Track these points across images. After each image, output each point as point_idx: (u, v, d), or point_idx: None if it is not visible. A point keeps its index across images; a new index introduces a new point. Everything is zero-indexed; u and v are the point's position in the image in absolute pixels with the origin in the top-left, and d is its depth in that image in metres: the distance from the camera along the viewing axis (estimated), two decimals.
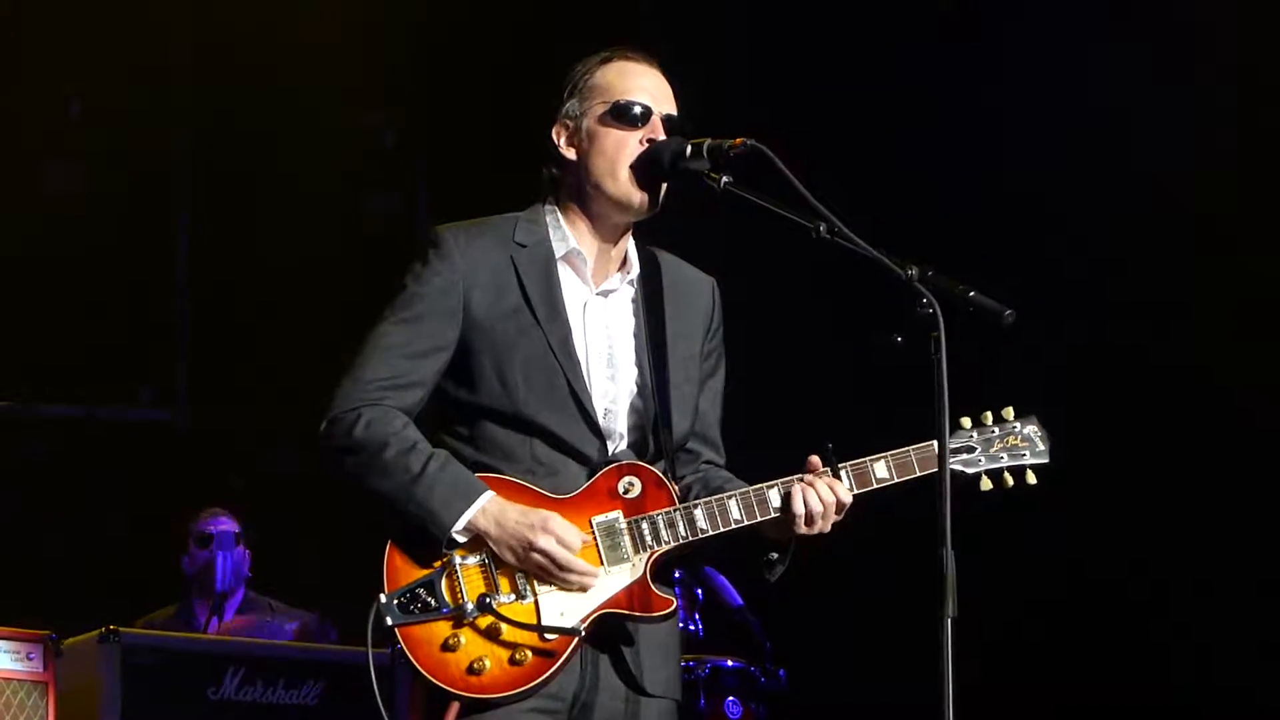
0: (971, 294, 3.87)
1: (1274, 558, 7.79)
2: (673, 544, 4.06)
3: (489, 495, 3.97)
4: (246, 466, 9.37)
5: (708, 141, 4.08)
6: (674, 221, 4.27)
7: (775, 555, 4.16)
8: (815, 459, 4.13)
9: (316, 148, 9.29)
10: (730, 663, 7.40)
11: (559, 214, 4.19)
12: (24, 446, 9.27)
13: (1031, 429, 4.31)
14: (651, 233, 4.31)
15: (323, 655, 7.12)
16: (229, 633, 7.83)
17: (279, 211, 9.36)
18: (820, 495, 4.08)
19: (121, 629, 6.59)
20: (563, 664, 3.96)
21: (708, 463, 4.32)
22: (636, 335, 4.20)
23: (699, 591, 7.53)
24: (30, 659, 6.41)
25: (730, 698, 7.33)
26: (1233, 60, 7.96)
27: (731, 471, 4.32)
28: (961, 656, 3.66)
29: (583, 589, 3.98)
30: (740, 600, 7.59)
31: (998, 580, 7.00)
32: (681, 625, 7.30)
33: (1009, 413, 4.30)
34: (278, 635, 7.84)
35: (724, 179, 4.05)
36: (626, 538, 4.04)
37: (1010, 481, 4.27)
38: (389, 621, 3.91)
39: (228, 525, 8.13)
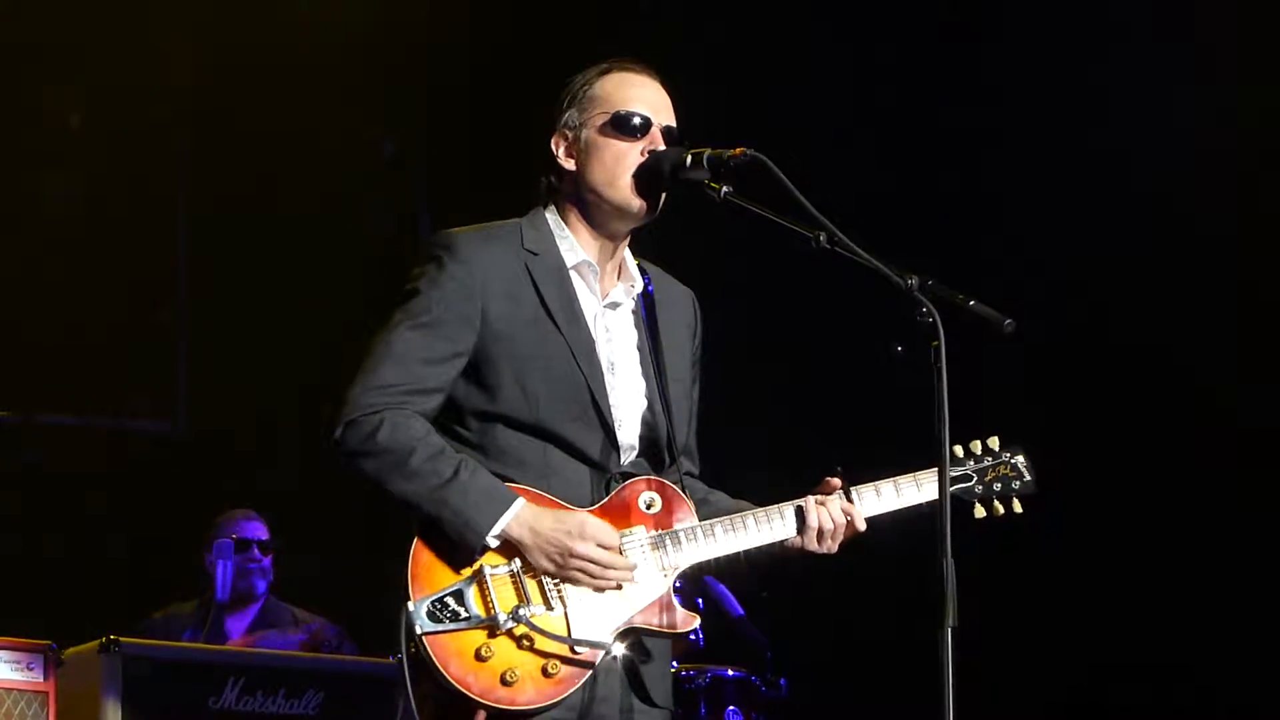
0: (971, 303, 3.88)
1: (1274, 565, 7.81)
2: (696, 560, 4.10)
3: (521, 502, 3.96)
4: (246, 476, 9.36)
5: (707, 151, 4.09)
6: (677, 230, 4.28)
7: (764, 593, 4.22)
8: (832, 480, 4.19)
9: (316, 158, 9.29)
10: (731, 672, 7.40)
11: (561, 222, 4.20)
12: (23, 456, 9.26)
13: (1019, 459, 4.43)
14: (652, 242, 4.32)
15: (324, 665, 7.11)
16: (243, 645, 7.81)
17: (279, 222, 9.35)
18: (832, 514, 4.14)
19: (122, 639, 6.57)
20: (592, 676, 3.96)
21: (686, 473, 4.33)
22: (640, 348, 4.22)
23: (699, 600, 7.52)
24: (30, 669, 6.40)
25: (731, 707, 7.33)
26: (1233, 67, 7.98)
27: (736, 482, 4.35)
28: (962, 666, 3.66)
29: (620, 587, 3.98)
30: (741, 609, 7.59)
31: (1000, 589, 7.00)
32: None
33: (994, 442, 4.43)
34: (286, 647, 7.82)
35: (724, 188, 4.06)
36: (651, 553, 4.05)
37: (1000, 510, 4.39)
38: (418, 629, 3.89)
39: (242, 530, 8.08)
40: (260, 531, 8.11)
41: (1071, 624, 8.25)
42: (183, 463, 9.48)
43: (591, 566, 3.95)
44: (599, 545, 3.96)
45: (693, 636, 7.41)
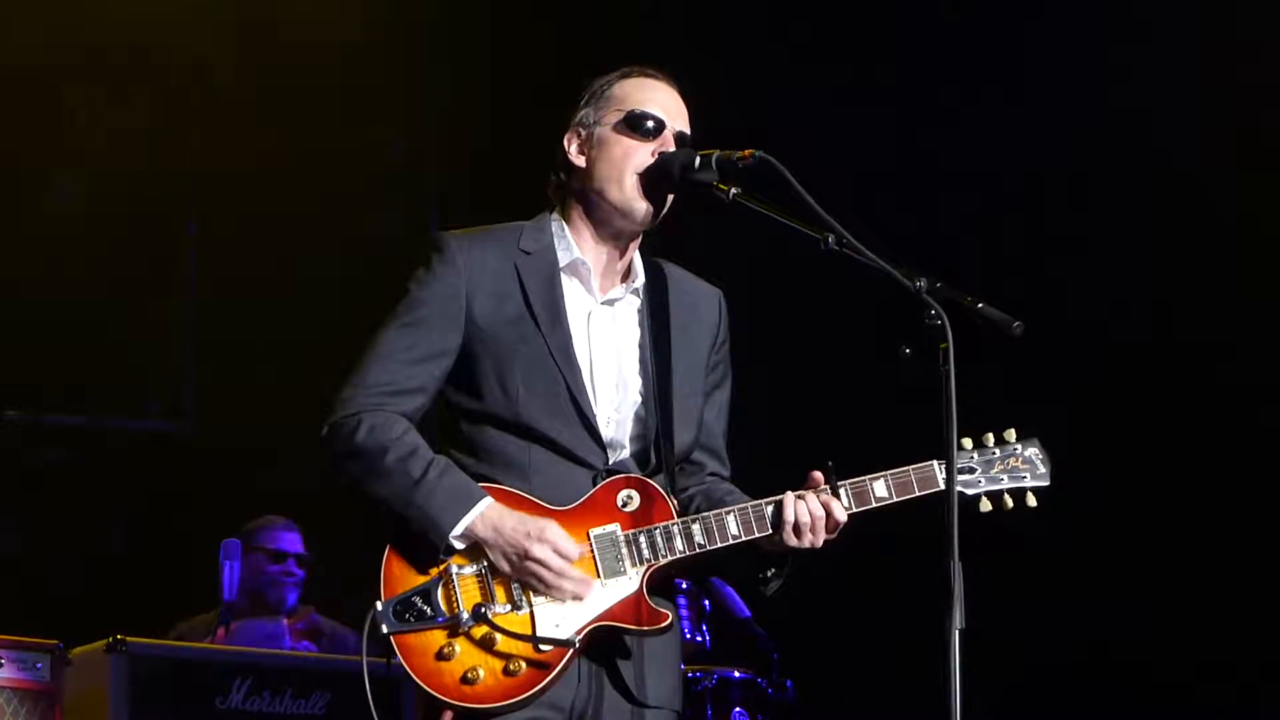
0: (980, 305, 3.88)
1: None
2: (670, 558, 4.08)
3: (488, 501, 3.98)
4: (254, 476, 9.37)
5: (716, 153, 4.10)
6: (684, 233, 4.28)
7: (772, 571, 4.18)
8: (816, 474, 4.14)
9: (326, 158, 9.30)
10: (737, 674, 7.40)
11: (564, 223, 4.21)
12: (31, 456, 9.27)
13: (1033, 451, 4.32)
14: (662, 245, 4.33)
15: (330, 665, 7.11)
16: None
17: (288, 221, 9.36)
18: (810, 508, 4.09)
19: (129, 639, 6.58)
20: (557, 675, 3.96)
21: (712, 474, 4.34)
22: (642, 346, 4.21)
23: (706, 602, 7.52)
24: (37, 668, 6.42)
25: (737, 709, 7.33)
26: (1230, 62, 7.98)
27: (741, 484, 4.34)
28: (969, 667, 3.66)
29: (577, 598, 3.98)
30: (747, 611, 7.59)
31: (1005, 591, 7.00)
32: (689, 636, 7.34)
33: (1010, 434, 4.32)
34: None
35: (732, 190, 4.06)
36: (624, 551, 4.04)
37: (1010, 504, 4.27)
38: (384, 629, 3.94)
39: (270, 544, 8.07)
40: (298, 544, 8.10)
41: (1077, 624, 8.24)
42: (191, 463, 9.49)
43: (544, 572, 3.95)
44: (555, 551, 3.96)
45: (699, 638, 7.42)
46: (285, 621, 7.92)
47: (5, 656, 6.37)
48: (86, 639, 6.65)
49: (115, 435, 9.58)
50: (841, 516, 4.11)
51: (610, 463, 4.11)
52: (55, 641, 6.51)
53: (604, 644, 4.02)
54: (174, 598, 8.28)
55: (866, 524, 4.18)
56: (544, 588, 3.97)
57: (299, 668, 6.98)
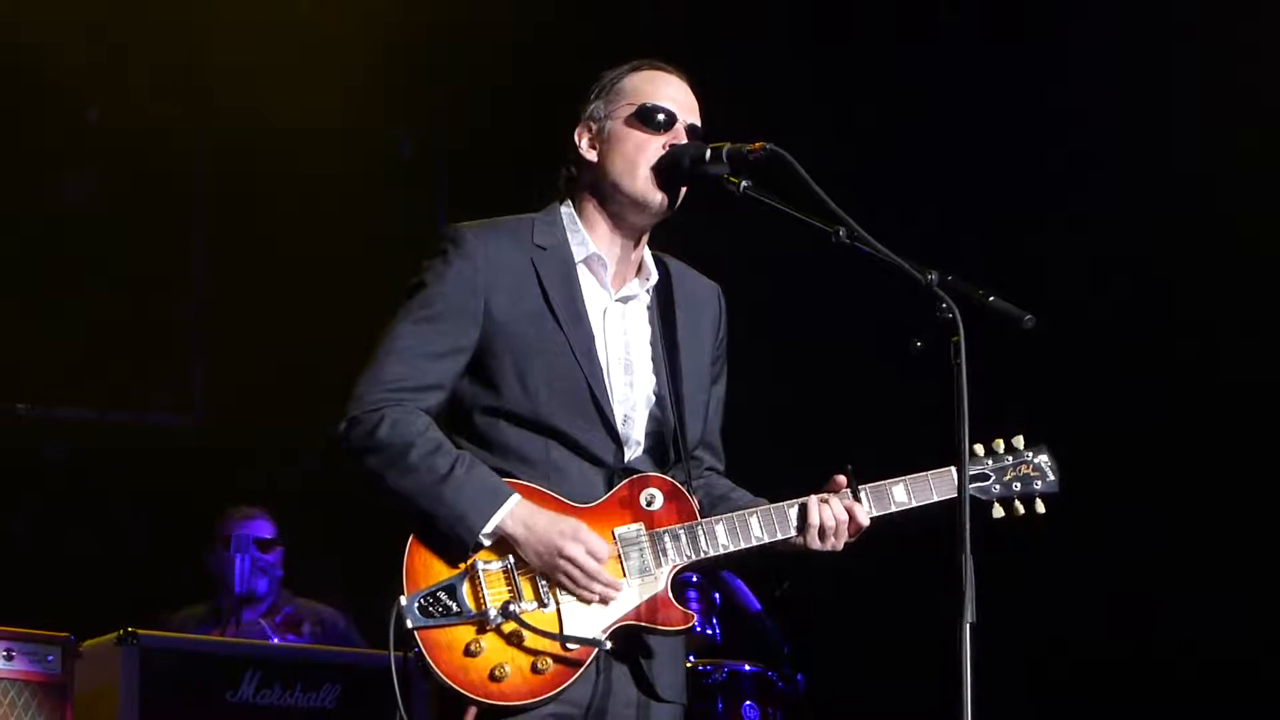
0: (991, 299, 3.88)
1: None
2: (695, 558, 4.08)
3: (517, 498, 3.96)
4: (263, 469, 9.38)
5: (727, 146, 4.09)
6: (691, 228, 4.28)
7: (786, 584, 4.21)
8: (839, 478, 4.16)
9: (334, 155, 9.30)
10: (748, 667, 7.39)
11: (576, 216, 4.20)
12: (41, 449, 9.29)
13: (1042, 458, 4.37)
14: (666, 237, 4.33)
15: (341, 658, 7.12)
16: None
17: (296, 217, 9.37)
18: (835, 512, 4.11)
19: (140, 631, 6.59)
20: (583, 673, 3.96)
21: (709, 469, 4.35)
22: (654, 342, 4.21)
23: (716, 596, 7.52)
24: (48, 661, 6.43)
25: (747, 702, 7.32)
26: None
27: (743, 479, 4.35)
28: (980, 662, 3.66)
29: (604, 601, 3.98)
30: (758, 605, 7.59)
31: (1016, 587, 6.99)
32: (699, 629, 7.34)
33: (1019, 441, 4.37)
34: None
35: (743, 183, 4.06)
36: (649, 550, 4.04)
37: (1021, 510, 4.34)
38: (409, 624, 3.91)
39: (249, 528, 8.08)
40: (248, 528, 8.09)
41: (1084, 622, 8.24)
42: (201, 456, 9.50)
43: (577, 572, 3.95)
44: (589, 552, 3.95)
45: (710, 631, 7.42)
46: (264, 621, 7.92)
47: (16, 649, 6.39)
48: (96, 631, 6.66)
49: (123, 429, 9.59)
50: (865, 521, 4.14)
51: (626, 460, 4.10)
52: (66, 634, 6.52)
53: (620, 641, 4.01)
54: (183, 590, 8.30)
55: (875, 528, 4.18)
56: (574, 587, 3.96)
57: (309, 661, 6.98)
